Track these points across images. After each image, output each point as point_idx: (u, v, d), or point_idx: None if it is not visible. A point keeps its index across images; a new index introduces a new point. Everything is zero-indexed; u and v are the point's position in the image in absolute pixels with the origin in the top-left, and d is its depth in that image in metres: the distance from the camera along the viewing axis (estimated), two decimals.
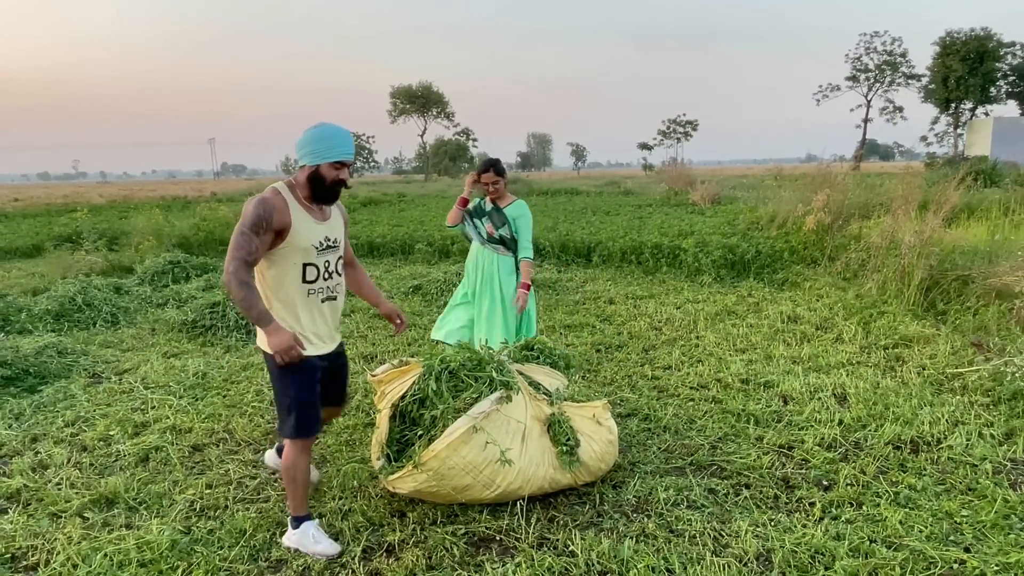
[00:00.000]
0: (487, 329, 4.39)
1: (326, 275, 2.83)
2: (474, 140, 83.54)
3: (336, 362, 3.02)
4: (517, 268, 4.42)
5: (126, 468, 3.68)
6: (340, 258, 2.92)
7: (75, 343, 6.01)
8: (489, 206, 4.44)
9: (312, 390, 2.80)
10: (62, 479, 3.54)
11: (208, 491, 3.40)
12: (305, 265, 2.74)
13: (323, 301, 2.85)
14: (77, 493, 3.38)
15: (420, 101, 76.10)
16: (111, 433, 4.13)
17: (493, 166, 4.34)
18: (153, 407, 4.58)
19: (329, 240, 2.83)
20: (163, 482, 3.49)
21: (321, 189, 2.74)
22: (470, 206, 4.51)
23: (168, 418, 4.35)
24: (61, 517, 3.17)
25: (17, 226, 18.19)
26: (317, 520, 2.94)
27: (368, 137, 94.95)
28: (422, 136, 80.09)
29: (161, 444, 3.95)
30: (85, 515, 3.17)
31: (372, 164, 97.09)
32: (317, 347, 2.83)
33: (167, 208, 21.22)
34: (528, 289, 4.32)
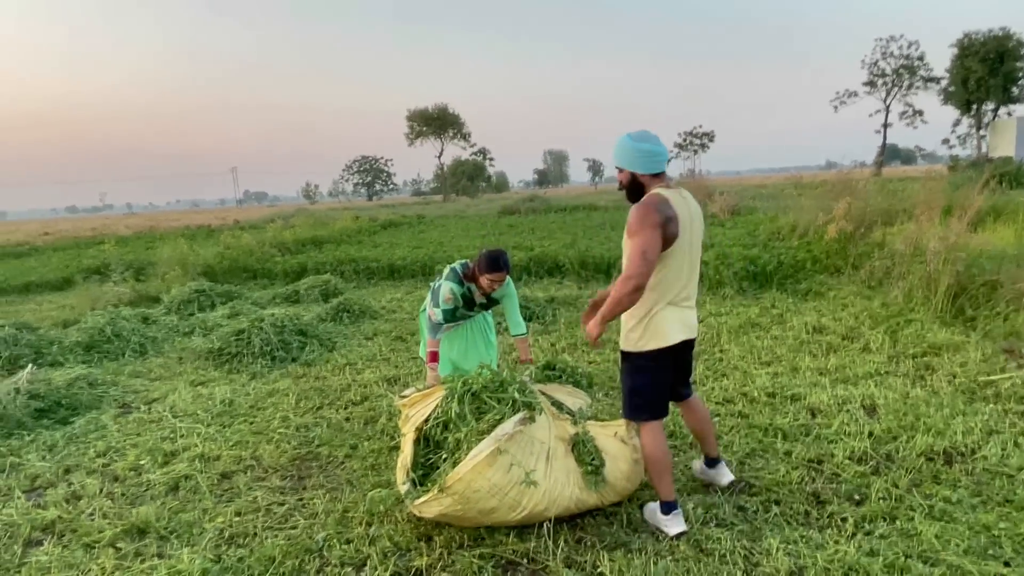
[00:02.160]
0: (476, 353, 4.35)
1: None
2: (491, 159, 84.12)
3: None
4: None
5: (157, 497, 3.73)
6: (621, 259, 3.16)
7: (105, 374, 6.12)
8: (481, 300, 4.17)
9: None
10: (95, 509, 3.60)
11: (237, 519, 3.43)
12: None
13: None
14: (110, 523, 3.42)
15: (436, 123, 76.84)
16: (141, 463, 4.19)
17: (507, 266, 3.96)
18: (182, 435, 4.64)
19: None
20: (193, 511, 3.53)
21: (635, 191, 3.06)
22: (442, 315, 4.08)
23: (196, 446, 4.40)
24: (95, 548, 3.21)
25: (47, 259, 18.62)
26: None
27: (386, 160, 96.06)
28: (439, 157, 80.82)
29: (190, 472, 3.99)
30: (118, 545, 3.21)
31: (391, 186, 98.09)
32: None
33: (191, 237, 21.57)
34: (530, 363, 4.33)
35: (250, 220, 34.68)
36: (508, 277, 4.07)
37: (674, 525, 3.01)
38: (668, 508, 3.03)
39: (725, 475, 3.42)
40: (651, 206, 2.86)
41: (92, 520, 3.48)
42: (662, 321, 2.98)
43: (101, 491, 3.84)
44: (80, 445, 4.57)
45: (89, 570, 2.98)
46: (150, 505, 3.60)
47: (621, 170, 3.07)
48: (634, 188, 3.05)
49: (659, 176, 3.00)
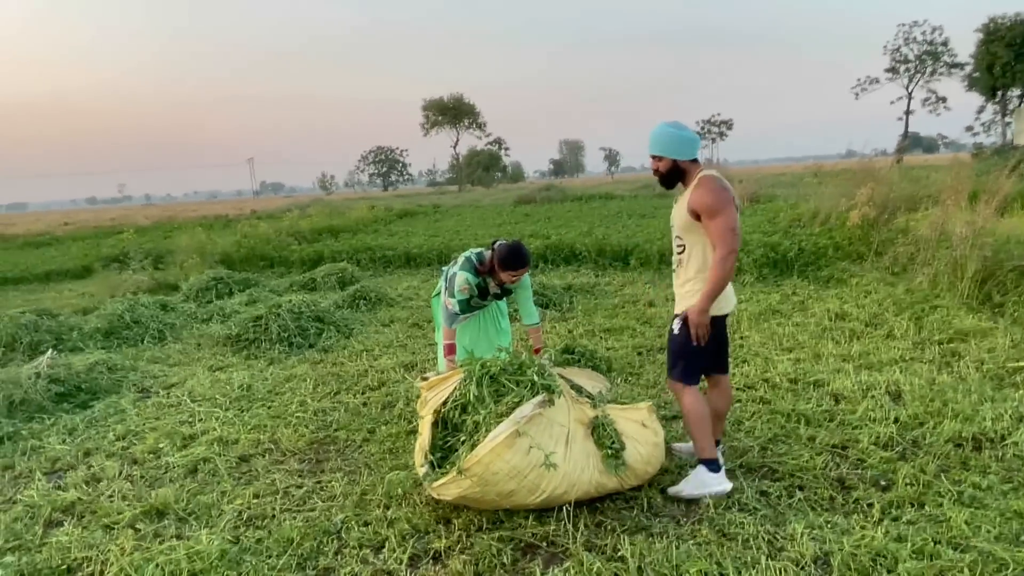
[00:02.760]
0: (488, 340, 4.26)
1: (673, 250, 3.40)
2: (506, 149, 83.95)
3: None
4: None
5: (175, 480, 3.73)
6: (676, 238, 3.30)
7: (124, 359, 6.15)
8: (495, 290, 4.01)
9: None
10: (114, 492, 3.61)
11: (255, 501, 3.43)
12: None
13: (673, 273, 3.45)
14: (129, 505, 3.43)
15: (452, 113, 76.76)
16: (160, 446, 4.20)
17: (529, 259, 3.79)
18: (200, 420, 4.65)
19: (671, 221, 3.34)
20: (211, 493, 3.53)
21: (675, 177, 3.20)
22: (458, 305, 3.94)
23: (215, 430, 4.40)
24: (114, 529, 3.22)
25: (68, 249, 18.84)
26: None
27: (402, 151, 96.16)
28: (455, 147, 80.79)
29: (209, 456, 4.00)
30: (137, 526, 3.22)
31: (406, 177, 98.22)
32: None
33: (209, 227, 21.69)
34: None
35: (267, 210, 34.86)
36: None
37: (725, 482, 3.15)
38: (716, 466, 3.17)
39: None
40: (720, 187, 3.06)
41: (111, 502, 3.49)
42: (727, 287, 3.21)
43: (120, 474, 3.85)
44: (100, 429, 4.59)
45: (108, 550, 2.98)
46: (169, 487, 3.60)
47: (660, 158, 3.17)
48: (673, 174, 3.19)
49: (695, 162, 3.17)
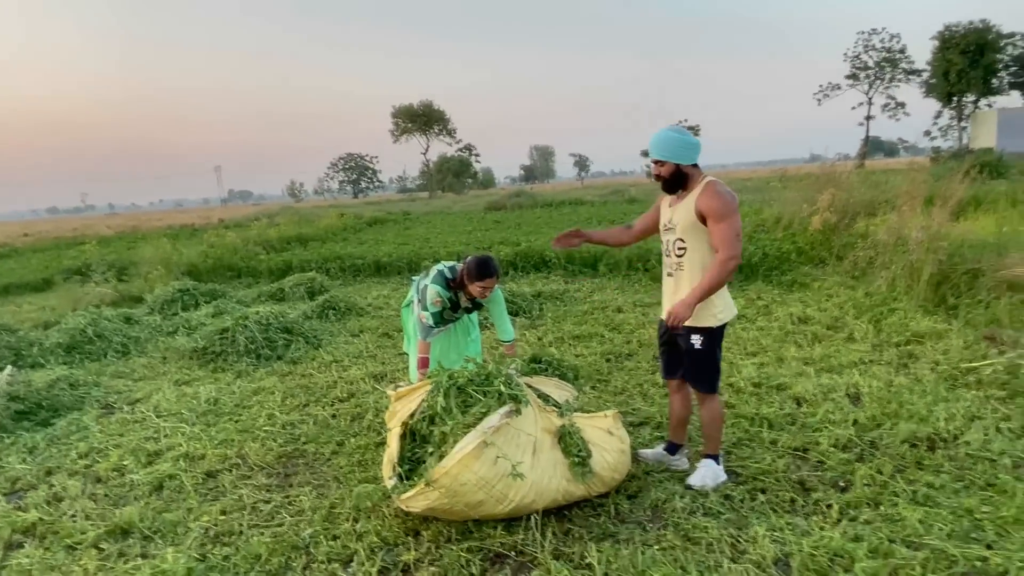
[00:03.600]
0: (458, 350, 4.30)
1: (666, 253, 3.38)
2: (476, 155, 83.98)
3: (672, 338, 3.43)
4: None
5: (140, 497, 3.69)
6: (678, 240, 3.27)
7: (87, 375, 6.04)
8: (466, 304, 4.06)
9: (658, 342, 3.60)
10: (77, 511, 3.55)
11: (223, 517, 3.40)
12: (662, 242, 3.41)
13: (665, 275, 3.42)
14: (92, 524, 3.38)
15: (422, 119, 76.58)
16: (125, 463, 4.14)
17: (497, 271, 3.84)
18: (166, 435, 4.59)
19: (669, 223, 3.33)
20: (177, 510, 3.50)
21: (678, 182, 3.25)
22: (432, 318, 3.96)
23: (181, 446, 4.35)
24: (77, 549, 3.17)
25: (27, 260, 18.39)
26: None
27: (372, 158, 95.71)
28: (425, 154, 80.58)
29: (175, 472, 3.96)
30: (101, 546, 3.18)
31: (377, 184, 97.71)
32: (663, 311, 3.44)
33: (175, 237, 21.37)
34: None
35: (234, 219, 34.41)
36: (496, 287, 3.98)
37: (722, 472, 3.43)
38: (719, 459, 3.44)
39: (684, 462, 3.63)
40: (728, 192, 3.17)
41: (74, 521, 3.44)
42: (728, 295, 3.34)
43: (83, 492, 3.79)
44: (61, 447, 4.51)
45: (71, 571, 2.94)
46: (134, 505, 3.56)
47: (662, 163, 3.24)
48: (676, 179, 3.26)
49: (697, 167, 3.28)
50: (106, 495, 3.75)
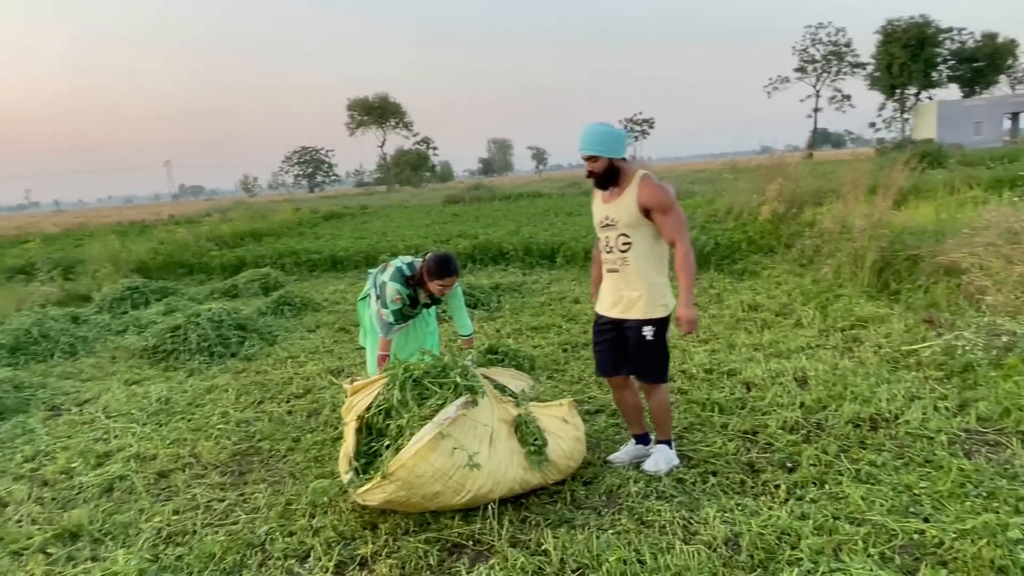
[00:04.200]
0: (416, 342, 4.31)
1: (607, 249, 3.32)
2: (434, 149, 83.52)
3: (620, 332, 3.38)
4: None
5: (90, 500, 3.60)
6: (621, 235, 3.25)
7: (32, 376, 5.86)
8: (425, 300, 4.06)
9: (595, 340, 3.56)
10: (23, 516, 3.46)
11: (175, 517, 3.35)
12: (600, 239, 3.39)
13: (607, 271, 3.38)
14: (39, 529, 3.30)
15: (378, 112, 75.76)
16: (73, 465, 4.04)
17: (457, 270, 3.88)
18: (116, 436, 4.49)
19: (608, 219, 3.27)
20: (128, 511, 3.43)
21: (612, 177, 3.23)
22: (392, 315, 3.97)
23: (132, 446, 4.27)
24: (23, 555, 3.09)
25: None
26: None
27: (327, 151, 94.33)
28: (382, 147, 79.77)
29: (125, 473, 3.88)
30: (48, 551, 3.10)
31: (333, 178, 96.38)
32: (598, 306, 3.51)
33: (124, 233, 20.78)
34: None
35: (186, 215, 33.57)
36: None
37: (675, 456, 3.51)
38: (671, 444, 3.52)
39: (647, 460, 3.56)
40: (665, 183, 3.22)
41: (20, 526, 3.34)
42: (669, 285, 3.40)
43: (29, 496, 3.69)
44: (6, 450, 4.37)
45: None
46: (83, 508, 3.47)
47: (595, 158, 3.17)
48: (610, 173, 3.22)
49: (626, 160, 3.26)
50: (53, 498, 3.65)
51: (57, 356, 6.71)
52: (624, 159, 3.23)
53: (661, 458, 3.45)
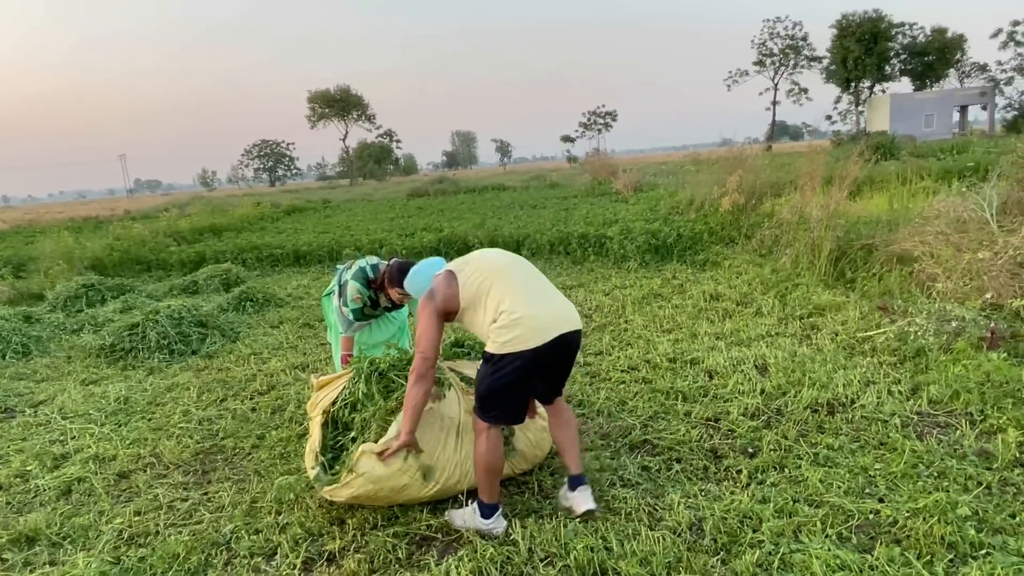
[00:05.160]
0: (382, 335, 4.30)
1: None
2: (398, 142, 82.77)
3: (570, 351, 3.00)
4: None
5: (47, 503, 3.52)
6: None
7: None
8: (387, 303, 4.02)
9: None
10: None
11: (137, 518, 3.29)
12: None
13: None
14: None
15: (339, 105, 74.74)
16: (28, 468, 3.93)
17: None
18: (73, 437, 4.38)
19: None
20: (88, 514, 3.36)
21: None
22: (352, 314, 3.97)
23: (90, 447, 4.17)
24: None
25: None
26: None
27: (288, 144, 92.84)
28: (344, 140, 78.80)
29: (84, 475, 3.79)
30: (3, 556, 3.02)
31: (294, 171, 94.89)
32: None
33: (77, 230, 20.19)
34: None
35: (142, 210, 32.76)
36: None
37: (499, 525, 2.90)
38: (491, 511, 2.91)
39: (585, 502, 2.92)
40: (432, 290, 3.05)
41: None
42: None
43: None
44: None
45: None
46: (39, 512, 3.39)
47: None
48: None
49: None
50: (8, 503, 3.55)
51: (9, 356, 6.51)
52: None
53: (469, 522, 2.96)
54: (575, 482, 2.97)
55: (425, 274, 3.20)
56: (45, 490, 3.65)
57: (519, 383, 2.83)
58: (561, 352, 2.87)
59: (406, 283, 3.28)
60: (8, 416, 4.93)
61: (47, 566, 2.91)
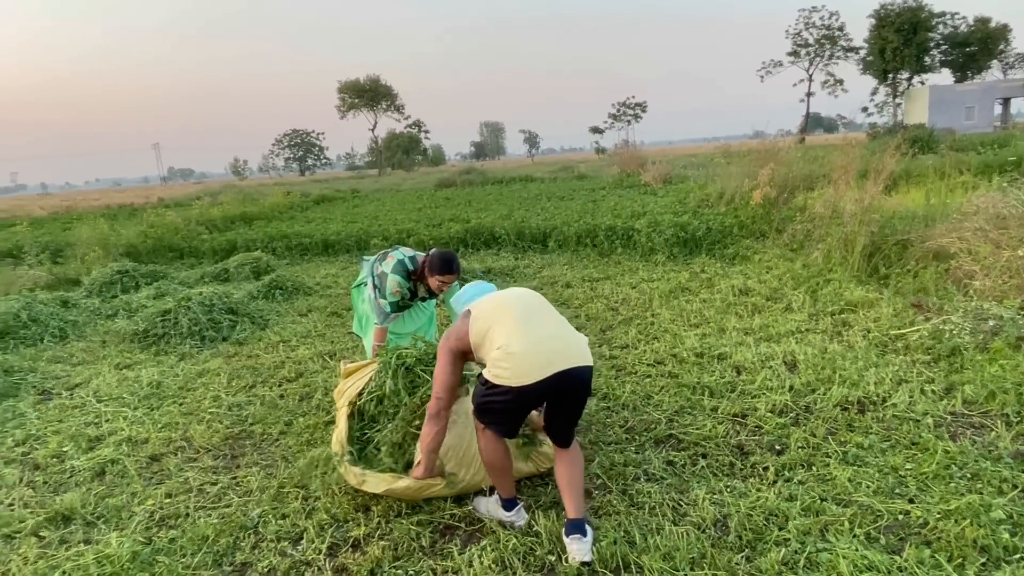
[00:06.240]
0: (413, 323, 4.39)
1: None
2: (426, 132, 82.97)
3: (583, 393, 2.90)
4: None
5: (82, 484, 3.61)
6: None
7: (22, 360, 5.83)
8: (424, 294, 4.18)
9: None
10: (15, 499, 3.46)
11: (168, 500, 3.36)
12: None
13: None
14: (31, 512, 3.30)
15: (369, 95, 75.11)
16: (64, 449, 4.04)
17: (459, 269, 3.88)
18: (107, 420, 4.49)
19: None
20: (121, 495, 3.44)
21: None
22: (390, 307, 4.08)
23: (123, 430, 4.27)
24: (15, 538, 3.10)
25: None
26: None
27: (318, 134, 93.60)
28: (373, 130, 79.23)
29: (117, 457, 3.88)
30: (41, 534, 3.11)
31: (324, 161, 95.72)
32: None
33: (112, 217, 20.63)
34: None
35: (175, 198, 33.35)
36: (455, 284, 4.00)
37: (519, 518, 2.91)
38: (510, 504, 2.92)
39: (581, 552, 2.63)
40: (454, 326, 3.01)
41: (12, 510, 3.35)
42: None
43: (21, 480, 3.69)
44: None
45: (10, 560, 2.87)
46: (75, 492, 3.48)
47: None
48: None
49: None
50: (45, 482, 3.66)
51: (47, 340, 6.68)
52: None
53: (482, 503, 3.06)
54: (572, 528, 2.67)
55: (470, 297, 3.19)
56: (80, 471, 3.75)
57: (508, 412, 2.76)
58: (562, 389, 2.67)
59: (452, 304, 3.27)
60: (46, 398, 5.06)
61: (81, 544, 2.99)
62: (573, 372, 2.65)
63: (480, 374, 2.81)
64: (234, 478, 3.56)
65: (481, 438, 2.89)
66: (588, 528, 2.69)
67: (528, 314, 2.81)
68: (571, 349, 2.70)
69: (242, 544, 2.93)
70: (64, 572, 2.73)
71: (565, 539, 2.67)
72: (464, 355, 2.92)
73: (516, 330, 2.70)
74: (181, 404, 4.71)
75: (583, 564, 2.59)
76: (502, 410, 2.75)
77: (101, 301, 8.25)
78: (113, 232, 13.41)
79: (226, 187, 40.45)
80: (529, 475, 3.27)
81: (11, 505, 3.41)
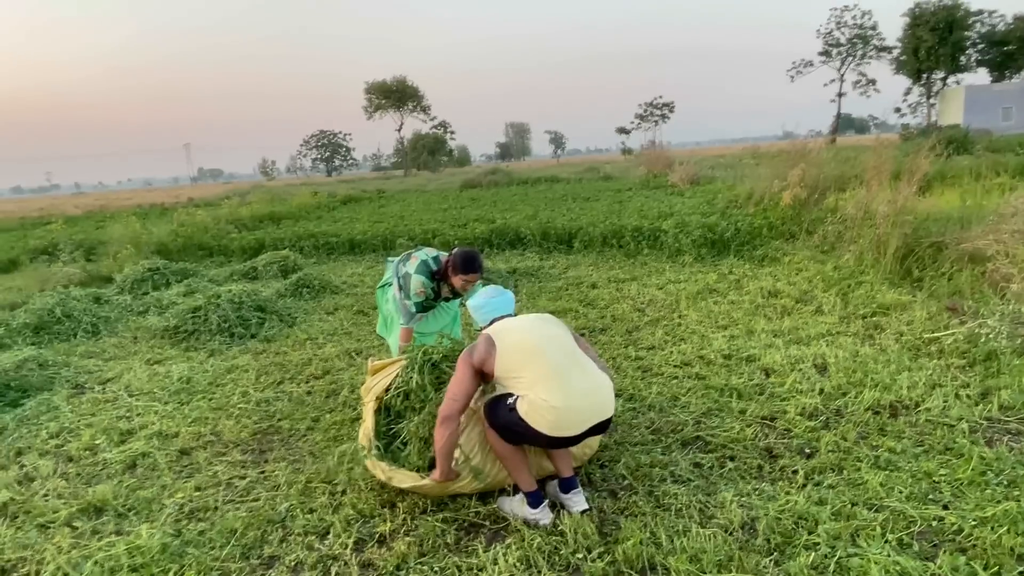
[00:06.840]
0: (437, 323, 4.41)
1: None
2: (452, 133, 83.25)
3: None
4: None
5: (113, 476, 3.67)
6: None
7: (56, 355, 5.95)
8: (448, 294, 4.19)
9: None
10: (49, 490, 3.53)
11: (197, 494, 3.41)
12: None
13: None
14: (65, 503, 3.37)
15: (395, 96, 75.54)
16: (97, 442, 4.12)
17: (482, 267, 3.93)
18: (138, 414, 4.56)
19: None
20: (151, 487, 3.50)
21: None
22: (415, 307, 4.13)
23: (154, 424, 4.34)
24: (49, 528, 3.17)
25: None
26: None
27: (345, 135, 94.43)
28: (399, 131, 79.68)
29: (148, 450, 3.94)
30: (74, 524, 3.17)
31: (351, 162, 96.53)
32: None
33: (144, 216, 21.00)
34: None
35: (205, 197, 33.87)
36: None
37: (544, 516, 2.91)
38: (535, 499, 2.92)
39: (579, 502, 2.95)
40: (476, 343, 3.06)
41: (46, 501, 3.42)
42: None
43: (55, 472, 3.77)
44: (31, 427, 4.46)
45: (44, 549, 2.93)
46: (107, 484, 3.54)
47: None
48: None
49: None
50: (78, 474, 3.73)
51: (80, 336, 6.81)
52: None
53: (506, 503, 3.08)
54: (567, 485, 2.97)
55: (490, 310, 3.22)
56: (112, 463, 3.82)
57: (527, 440, 2.86)
58: (585, 432, 2.82)
59: (470, 306, 3.27)
60: (79, 392, 5.16)
61: (113, 535, 3.04)
62: (602, 424, 2.85)
63: (508, 395, 2.84)
64: (262, 472, 3.60)
65: (489, 433, 2.95)
66: (578, 483, 2.99)
67: (562, 364, 2.85)
68: (605, 405, 2.85)
69: (270, 538, 2.96)
70: (96, 562, 2.78)
71: (563, 496, 2.96)
72: (484, 376, 2.96)
73: (555, 384, 2.75)
74: (210, 399, 4.78)
75: (582, 512, 2.88)
76: (522, 436, 2.83)
77: (133, 298, 8.40)
78: (145, 231, 13.64)
79: (255, 187, 41.04)
80: (552, 475, 3.25)
81: (45, 496, 3.48)
